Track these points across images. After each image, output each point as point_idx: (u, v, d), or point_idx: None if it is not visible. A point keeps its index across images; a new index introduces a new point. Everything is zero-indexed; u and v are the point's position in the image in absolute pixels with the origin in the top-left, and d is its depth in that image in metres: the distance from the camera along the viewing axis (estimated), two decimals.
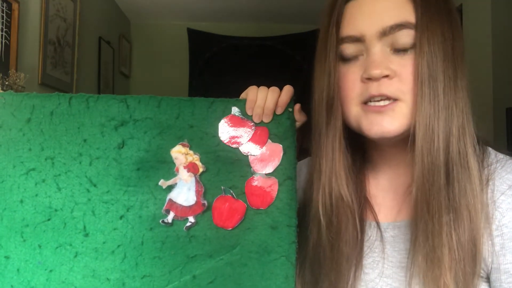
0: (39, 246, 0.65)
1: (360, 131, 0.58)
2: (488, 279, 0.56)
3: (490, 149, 0.57)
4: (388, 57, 0.53)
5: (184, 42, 3.62)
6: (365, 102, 0.56)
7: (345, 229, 0.60)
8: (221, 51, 3.63)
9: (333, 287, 0.62)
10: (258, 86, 0.67)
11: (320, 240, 0.63)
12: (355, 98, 0.57)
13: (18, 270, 0.65)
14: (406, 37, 0.52)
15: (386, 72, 0.53)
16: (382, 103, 0.54)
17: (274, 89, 0.65)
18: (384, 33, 0.53)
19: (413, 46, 0.52)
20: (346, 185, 0.60)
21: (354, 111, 0.57)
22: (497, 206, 0.53)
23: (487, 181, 0.54)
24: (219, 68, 3.61)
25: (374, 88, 0.53)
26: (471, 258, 0.52)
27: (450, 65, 0.52)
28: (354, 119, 0.58)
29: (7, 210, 0.65)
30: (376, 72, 0.53)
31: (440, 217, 0.52)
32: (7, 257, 0.65)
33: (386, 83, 0.53)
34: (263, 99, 0.65)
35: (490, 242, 0.54)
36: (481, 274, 0.56)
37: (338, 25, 0.57)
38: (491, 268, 0.54)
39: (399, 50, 0.53)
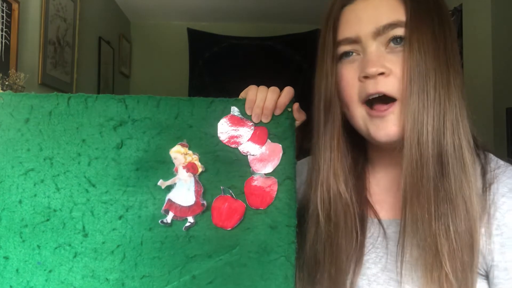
0: (38, 247, 0.65)
1: (369, 135, 0.61)
2: (487, 277, 0.57)
3: (491, 155, 0.59)
4: (384, 56, 0.56)
5: (184, 42, 3.62)
6: (365, 102, 0.59)
7: (344, 225, 0.62)
8: (221, 51, 3.64)
9: (333, 282, 0.62)
10: (258, 86, 0.67)
11: (318, 236, 0.65)
12: (355, 97, 0.59)
13: (17, 270, 0.65)
14: (398, 34, 0.56)
15: (381, 70, 0.56)
16: (382, 107, 0.57)
17: (273, 89, 0.66)
18: (378, 33, 0.56)
19: (405, 44, 0.56)
20: (344, 182, 0.63)
21: (359, 113, 0.60)
22: (497, 207, 0.55)
23: (490, 184, 0.56)
24: (219, 68, 3.62)
25: (371, 86, 0.56)
26: (469, 248, 0.53)
27: (441, 62, 0.55)
28: (362, 122, 0.60)
29: (6, 210, 0.65)
30: (372, 70, 0.56)
31: (429, 207, 0.54)
32: (6, 258, 0.65)
33: (382, 81, 0.56)
34: (263, 99, 0.65)
35: (490, 240, 0.55)
36: (481, 272, 0.57)
37: (335, 29, 0.61)
38: (491, 265, 0.56)
39: (393, 49, 0.56)
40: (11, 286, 0.65)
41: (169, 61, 3.61)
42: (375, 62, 0.56)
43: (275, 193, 0.66)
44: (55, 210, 0.65)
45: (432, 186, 0.54)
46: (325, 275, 0.63)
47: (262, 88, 0.66)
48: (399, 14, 0.56)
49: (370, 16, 0.57)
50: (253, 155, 0.66)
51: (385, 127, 0.57)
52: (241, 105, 0.67)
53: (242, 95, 0.68)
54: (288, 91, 0.65)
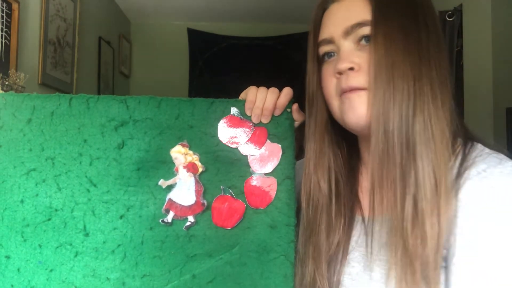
0: (40, 246, 0.66)
1: (343, 121, 0.63)
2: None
3: (479, 145, 0.59)
4: (354, 53, 0.60)
5: (184, 42, 3.62)
6: (341, 96, 0.62)
7: (323, 213, 0.65)
8: (221, 51, 3.64)
9: (315, 263, 0.64)
10: (258, 86, 0.68)
11: (304, 230, 0.67)
12: (333, 92, 0.63)
13: (18, 269, 0.65)
14: (365, 33, 0.59)
15: (350, 65, 0.59)
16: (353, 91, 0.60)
17: (273, 90, 0.66)
18: (348, 32, 0.60)
19: (371, 40, 0.59)
20: (324, 174, 0.66)
21: (335, 104, 0.63)
22: (463, 189, 0.55)
23: (464, 170, 0.56)
24: (219, 68, 3.62)
25: (344, 82, 0.60)
26: (436, 235, 0.53)
27: (411, 55, 0.57)
28: (337, 111, 0.64)
29: (7, 210, 0.66)
30: (342, 66, 0.60)
31: (395, 190, 0.55)
32: (7, 257, 0.65)
33: (352, 75, 0.59)
34: (262, 100, 0.66)
35: (455, 224, 0.55)
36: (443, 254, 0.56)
37: (315, 32, 0.66)
38: (450, 246, 0.55)
39: (363, 46, 0.60)
40: (12, 285, 0.65)
41: (169, 61, 3.62)
42: (345, 59, 0.60)
43: (275, 192, 0.67)
44: (56, 210, 0.66)
45: (399, 173, 0.55)
46: (307, 256, 0.65)
47: (262, 89, 0.67)
48: (365, 13, 0.59)
49: (341, 17, 0.61)
50: (253, 155, 0.67)
51: (354, 109, 0.60)
52: (241, 105, 0.67)
53: (242, 96, 0.69)
54: (287, 92, 0.66)
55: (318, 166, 0.66)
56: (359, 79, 0.59)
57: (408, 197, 0.55)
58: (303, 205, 0.67)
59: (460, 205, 0.55)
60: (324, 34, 0.64)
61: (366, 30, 0.59)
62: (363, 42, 0.60)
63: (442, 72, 0.58)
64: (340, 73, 0.61)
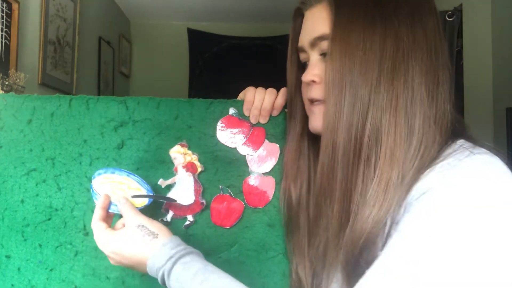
0: (40, 245, 0.66)
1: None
2: None
3: (460, 141, 0.55)
4: (318, 65, 0.60)
5: (184, 42, 3.62)
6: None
7: (301, 217, 0.64)
8: (221, 51, 3.64)
9: (297, 257, 0.63)
10: (257, 87, 0.68)
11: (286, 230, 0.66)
12: (306, 99, 0.63)
13: (19, 269, 0.66)
14: (326, 47, 0.59)
15: (311, 78, 0.60)
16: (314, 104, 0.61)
17: (271, 91, 0.67)
18: (312, 44, 0.60)
19: (328, 54, 0.58)
20: (303, 176, 0.65)
21: (308, 110, 0.64)
22: (421, 181, 0.52)
23: (434, 166, 0.52)
24: (219, 68, 3.62)
25: (308, 92, 0.61)
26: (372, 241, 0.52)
27: (370, 69, 0.55)
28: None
29: (8, 210, 0.66)
30: (305, 78, 0.61)
31: (332, 204, 0.55)
32: (8, 256, 0.66)
33: (314, 87, 0.60)
34: (260, 100, 0.66)
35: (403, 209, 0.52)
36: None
37: (293, 38, 0.66)
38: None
39: (325, 58, 0.59)
40: (12, 285, 0.66)
41: (169, 61, 3.62)
42: (309, 71, 0.60)
43: (273, 192, 0.67)
44: (56, 210, 0.66)
45: (339, 188, 0.54)
46: (292, 254, 0.65)
47: (260, 90, 0.67)
48: (326, 26, 0.58)
49: (308, 28, 0.61)
50: (251, 155, 0.67)
51: (313, 121, 0.61)
52: (240, 106, 0.68)
53: (240, 96, 0.69)
54: (284, 92, 0.67)
55: (296, 167, 0.65)
56: (318, 91, 0.59)
57: (352, 216, 0.53)
58: (281, 205, 0.66)
59: (413, 194, 0.51)
60: (299, 42, 0.64)
61: (325, 45, 0.58)
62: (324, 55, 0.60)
63: (406, 80, 0.54)
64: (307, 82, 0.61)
